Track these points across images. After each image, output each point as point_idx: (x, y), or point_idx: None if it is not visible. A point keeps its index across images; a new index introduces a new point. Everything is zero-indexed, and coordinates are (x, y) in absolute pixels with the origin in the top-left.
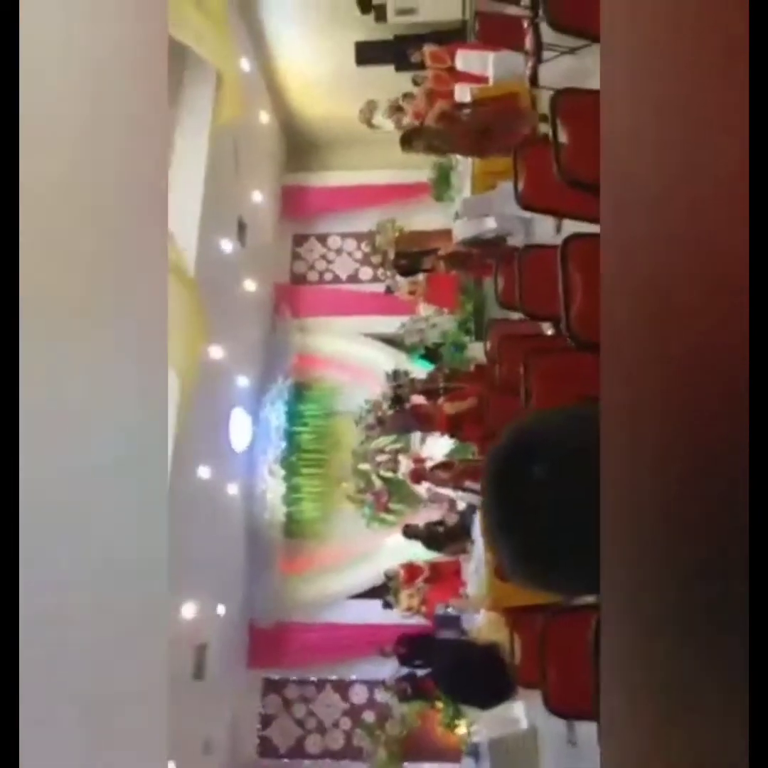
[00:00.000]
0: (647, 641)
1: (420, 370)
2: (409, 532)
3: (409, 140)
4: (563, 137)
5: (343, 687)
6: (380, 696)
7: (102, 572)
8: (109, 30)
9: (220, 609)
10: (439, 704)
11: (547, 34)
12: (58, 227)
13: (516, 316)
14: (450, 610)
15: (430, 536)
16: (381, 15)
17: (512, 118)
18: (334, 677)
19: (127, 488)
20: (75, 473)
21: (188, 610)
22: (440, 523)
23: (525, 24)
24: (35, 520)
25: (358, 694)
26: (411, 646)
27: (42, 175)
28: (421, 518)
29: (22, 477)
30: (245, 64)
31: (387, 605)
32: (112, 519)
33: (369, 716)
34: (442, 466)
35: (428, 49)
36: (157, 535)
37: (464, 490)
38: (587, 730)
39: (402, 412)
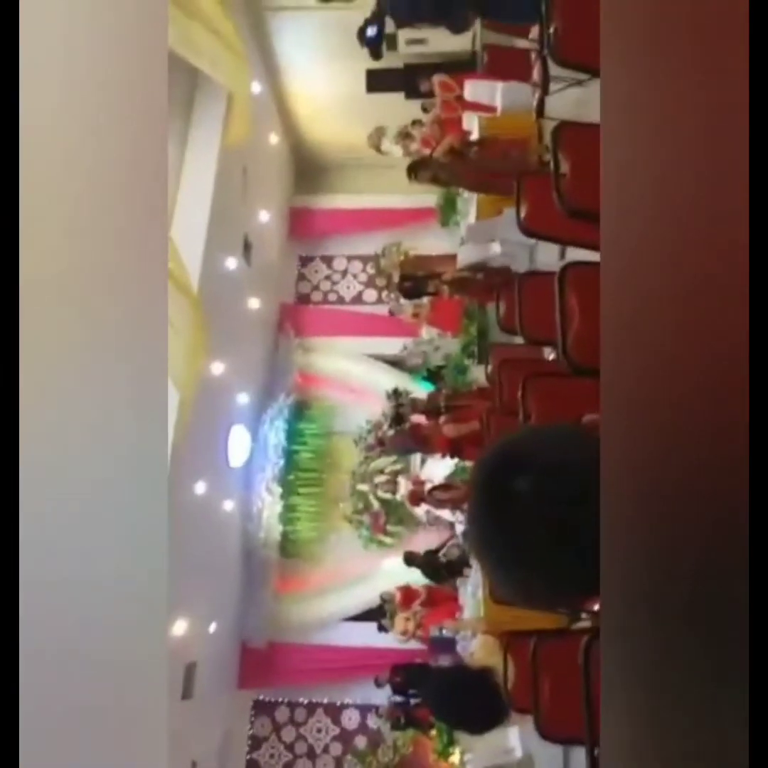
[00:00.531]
0: (647, 660)
1: (421, 390)
2: (410, 560)
3: (415, 171)
4: (563, 168)
5: (334, 711)
6: (372, 721)
7: (100, 588)
8: (109, 36)
9: (212, 627)
10: (433, 732)
11: (555, 66)
12: (56, 236)
13: (518, 340)
14: (444, 631)
15: (430, 566)
16: (392, 44)
17: (519, 161)
18: (325, 700)
19: (126, 504)
20: (74, 488)
21: (179, 627)
22: (439, 550)
23: (533, 56)
24: (34, 535)
25: (350, 719)
26: (405, 676)
27: (39, 190)
28: (419, 540)
29: (21, 493)
30: (256, 87)
31: (381, 628)
32: (111, 535)
33: (360, 742)
34: (442, 487)
35: (438, 78)
36: (156, 552)
37: (463, 511)
38: (585, 758)
39: (402, 433)
